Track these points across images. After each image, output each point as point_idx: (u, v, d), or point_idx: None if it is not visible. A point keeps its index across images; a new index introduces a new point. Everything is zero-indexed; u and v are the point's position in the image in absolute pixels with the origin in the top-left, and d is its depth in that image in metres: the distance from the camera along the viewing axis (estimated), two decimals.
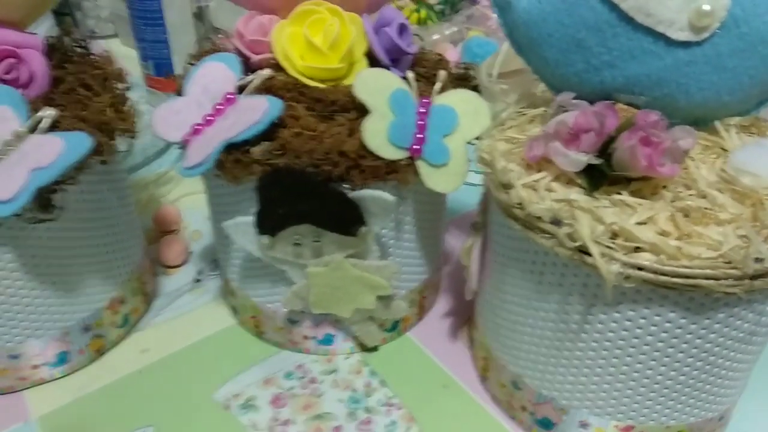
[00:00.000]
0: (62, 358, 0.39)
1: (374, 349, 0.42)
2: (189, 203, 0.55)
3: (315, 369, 0.41)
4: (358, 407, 0.39)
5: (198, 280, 0.48)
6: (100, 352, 0.41)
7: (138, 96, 0.64)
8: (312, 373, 0.41)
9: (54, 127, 0.33)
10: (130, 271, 0.42)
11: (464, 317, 0.45)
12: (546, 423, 0.36)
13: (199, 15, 0.69)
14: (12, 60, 0.35)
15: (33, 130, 0.33)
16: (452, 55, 0.70)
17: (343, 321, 0.40)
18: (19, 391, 0.39)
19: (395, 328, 0.43)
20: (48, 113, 0.33)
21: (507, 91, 0.65)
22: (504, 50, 0.61)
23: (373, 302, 0.38)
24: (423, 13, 0.80)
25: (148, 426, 0.37)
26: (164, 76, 0.66)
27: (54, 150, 0.32)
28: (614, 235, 0.27)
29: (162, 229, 0.51)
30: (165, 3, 0.62)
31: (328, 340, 0.41)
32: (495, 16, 0.88)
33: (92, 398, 0.39)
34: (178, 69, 0.66)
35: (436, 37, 0.77)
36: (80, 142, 0.32)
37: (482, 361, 0.40)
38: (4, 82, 0.35)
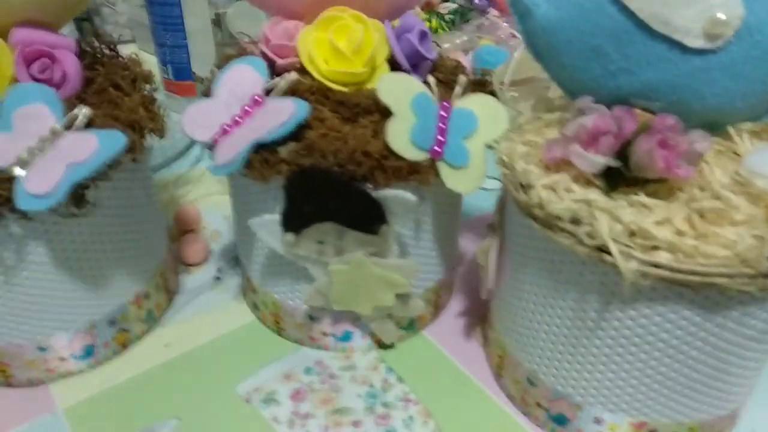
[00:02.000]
0: (89, 351, 0.40)
1: (391, 346, 0.43)
2: (207, 204, 0.56)
3: (333, 365, 0.42)
4: (376, 402, 0.40)
5: (218, 278, 0.49)
6: (125, 346, 0.42)
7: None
8: (330, 369, 0.42)
9: (88, 125, 0.35)
10: (154, 267, 0.43)
11: (478, 316, 0.46)
12: (561, 419, 0.37)
13: (217, 21, 0.70)
14: (46, 60, 0.36)
15: (68, 127, 0.34)
16: (463, 63, 0.72)
17: (362, 318, 0.41)
18: (45, 383, 0.40)
19: (411, 326, 0.44)
20: (83, 111, 0.34)
21: (517, 98, 0.67)
22: (515, 59, 0.63)
23: (391, 300, 0.39)
24: (434, 22, 0.82)
25: (173, 418, 0.38)
26: (183, 80, 0.67)
27: (90, 147, 0.33)
28: (632, 234, 0.28)
29: (182, 228, 0.52)
30: (185, 9, 0.63)
31: (346, 337, 0.42)
32: (505, 25, 0.89)
33: (117, 390, 0.40)
34: (197, 73, 0.67)
35: (446, 45, 0.79)
36: (115, 139, 0.33)
37: (497, 358, 0.41)
38: (39, 80, 0.36)
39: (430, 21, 0.81)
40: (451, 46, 0.78)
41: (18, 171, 0.32)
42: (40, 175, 0.32)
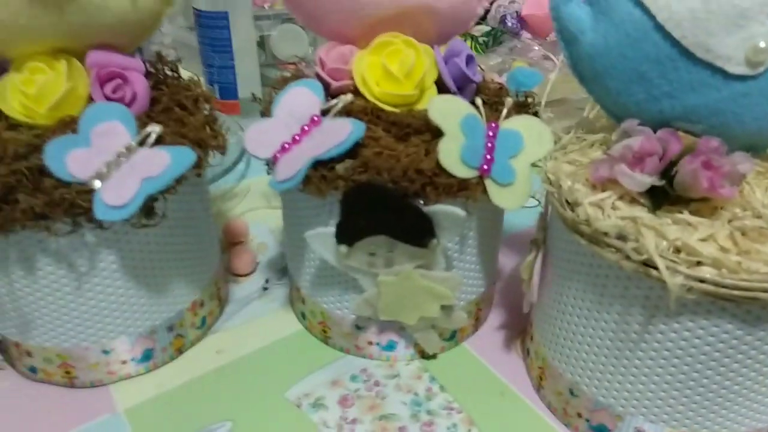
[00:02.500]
0: (147, 355, 0.42)
1: (433, 356, 0.45)
2: (253, 217, 0.59)
3: (378, 373, 0.44)
4: (420, 410, 0.41)
5: (265, 288, 0.51)
6: (180, 351, 0.44)
7: None
8: (375, 377, 0.43)
9: (158, 142, 0.37)
10: (209, 277, 0.45)
11: (517, 329, 0.48)
12: (601, 429, 0.38)
13: (261, 43, 0.73)
14: (119, 80, 0.39)
15: (141, 143, 0.37)
16: None
17: (407, 328, 0.43)
18: (105, 384, 0.42)
19: (453, 337, 0.45)
20: (155, 129, 0.37)
21: (552, 119, 0.69)
22: (550, 81, 0.64)
23: (437, 311, 0.41)
24: (468, 44, 0.84)
25: (227, 421, 0.40)
26: (228, 100, 0.70)
27: (162, 162, 0.35)
28: (677, 251, 0.30)
29: (231, 241, 0.54)
30: (233, 32, 0.66)
31: (390, 347, 0.44)
32: (536, 48, 0.91)
33: (174, 394, 0.42)
34: (241, 93, 0.70)
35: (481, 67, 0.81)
36: (185, 155, 0.36)
37: (538, 370, 0.42)
38: (111, 100, 0.39)
39: None
40: (486, 68, 0.81)
41: (97, 184, 0.35)
42: (116, 188, 0.35)
